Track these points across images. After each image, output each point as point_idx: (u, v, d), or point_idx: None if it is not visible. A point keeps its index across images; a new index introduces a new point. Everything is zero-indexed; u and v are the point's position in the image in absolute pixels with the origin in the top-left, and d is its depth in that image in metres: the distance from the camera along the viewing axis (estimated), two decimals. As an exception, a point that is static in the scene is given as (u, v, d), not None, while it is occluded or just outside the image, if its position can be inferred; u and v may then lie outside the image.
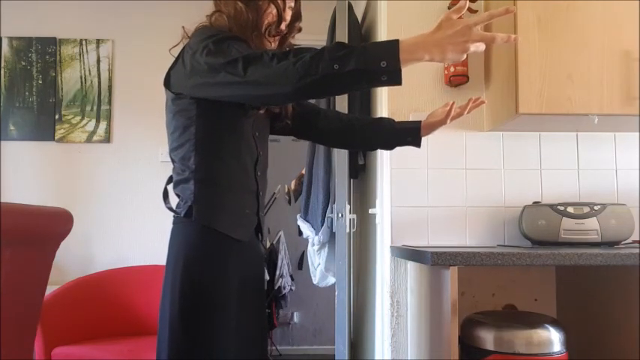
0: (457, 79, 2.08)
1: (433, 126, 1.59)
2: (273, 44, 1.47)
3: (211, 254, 1.34)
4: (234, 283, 1.38)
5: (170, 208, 1.42)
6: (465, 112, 1.54)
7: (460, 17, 1.15)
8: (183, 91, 1.35)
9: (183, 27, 1.43)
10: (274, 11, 1.42)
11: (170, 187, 1.44)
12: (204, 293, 1.32)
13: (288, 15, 1.45)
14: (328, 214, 2.48)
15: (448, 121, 1.54)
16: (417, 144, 1.61)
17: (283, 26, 1.45)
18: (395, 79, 1.13)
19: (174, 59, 1.39)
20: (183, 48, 1.38)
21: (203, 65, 1.27)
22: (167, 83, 1.40)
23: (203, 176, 1.36)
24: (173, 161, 1.42)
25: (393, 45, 1.13)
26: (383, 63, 1.11)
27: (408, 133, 1.60)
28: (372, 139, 1.67)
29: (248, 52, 1.23)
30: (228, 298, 1.36)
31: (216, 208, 1.37)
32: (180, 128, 1.37)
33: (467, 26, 1.12)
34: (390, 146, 1.69)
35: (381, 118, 1.71)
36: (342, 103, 2.35)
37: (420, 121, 1.60)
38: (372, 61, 1.12)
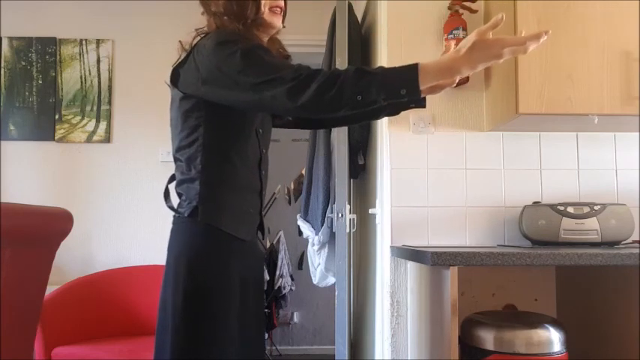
0: (457, 79, 2.08)
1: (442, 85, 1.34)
2: (262, 36, 1.44)
3: (215, 254, 1.34)
4: (237, 283, 1.38)
5: (171, 207, 1.41)
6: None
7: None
8: (194, 92, 1.34)
9: (180, 41, 1.41)
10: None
11: (171, 186, 1.43)
12: (207, 293, 1.32)
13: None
14: (328, 214, 2.48)
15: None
16: (422, 105, 1.40)
17: (265, 11, 1.41)
18: (418, 104, 1.16)
19: (181, 58, 1.38)
20: (193, 47, 1.36)
21: (241, 80, 1.24)
22: (174, 81, 1.38)
23: (209, 177, 1.36)
24: (178, 160, 1.41)
25: (412, 71, 1.13)
26: (403, 91, 1.13)
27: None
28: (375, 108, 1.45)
29: (282, 73, 1.20)
30: (231, 297, 1.35)
31: (221, 208, 1.36)
32: (188, 128, 1.36)
33: (502, 47, 1.11)
34: (395, 112, 1.52)
35: None
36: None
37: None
38: (392, 89, 1.14)
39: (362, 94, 1.14)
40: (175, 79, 1.38)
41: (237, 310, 1.37)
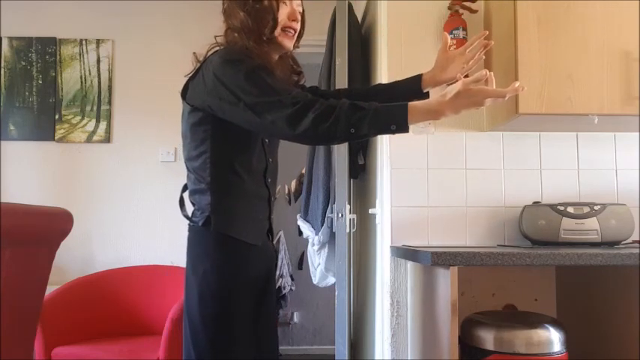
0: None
1: (440, 82, 1.58)
2: (273, 53, 1.48)
3: (228, 260, 1.40)
4: (250, 285, 1.43)
5: (186, 216, 1.47)
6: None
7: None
8: (200, 105, 1.39)
9: (194, 53, 1.46)
10: (272, 15, 1.43)
11: (185, 195, 1.50)
12: (222, 297, 1.38)
13: (283, 14, 1.44)
14: (328, 214, 2.48)
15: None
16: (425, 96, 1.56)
17: (277, 31, 1.44)
18: (402, 132, 1.28)
19: (194, 70, 1.43)
20: (204, 61, 1.41)
21: (242, 98, 1.30)
22: (183, 94, 1.44)
23: (218, 187, 1.41)
24: (189, 170, 1.47)
25: (402, 110, 1.26)
26: (393, 127, 1.27)
27: (413, 96, 1.55)
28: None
29: (281, 102, 1.28)
30: (245, 300, 1.41)
31: (232, 217, 1.42)
32: (196, 140, 1.42)
33: (484, 97, 1.25)
34: None
35: (378, 88, 1.71)
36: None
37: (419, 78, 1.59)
38: (382, 125, 1.27)
39: (355, 127, 1.25)
40: (185, 92, 1.44)
41: (251, 311, 1.43)
